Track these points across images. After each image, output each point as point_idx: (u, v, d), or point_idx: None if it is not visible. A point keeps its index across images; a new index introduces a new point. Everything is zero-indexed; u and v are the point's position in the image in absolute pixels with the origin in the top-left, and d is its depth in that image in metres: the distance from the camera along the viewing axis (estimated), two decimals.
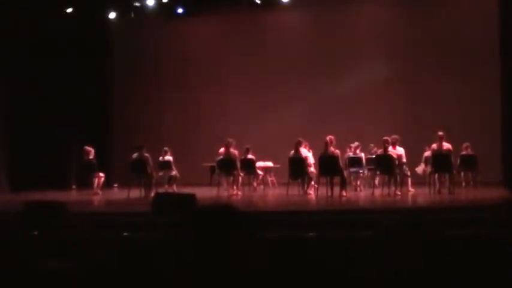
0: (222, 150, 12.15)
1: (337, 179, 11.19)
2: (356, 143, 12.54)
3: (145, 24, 16.23)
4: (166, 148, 13.17)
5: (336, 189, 10.98)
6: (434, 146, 11.40)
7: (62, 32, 14.95)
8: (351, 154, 12.43)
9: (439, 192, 11.28)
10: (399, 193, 11.10)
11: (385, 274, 1.30)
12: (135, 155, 12.34)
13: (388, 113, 14.63)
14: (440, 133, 11.20)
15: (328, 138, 11.14)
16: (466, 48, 14.40)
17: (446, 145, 11.19)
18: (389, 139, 11.33)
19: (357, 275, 1.41)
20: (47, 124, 14.57)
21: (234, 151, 12.04)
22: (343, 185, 11.09)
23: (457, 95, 14.46)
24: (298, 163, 11.47)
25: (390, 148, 11.27)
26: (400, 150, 11.42)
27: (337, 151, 11.20)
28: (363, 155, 12.39)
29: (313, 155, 12.10)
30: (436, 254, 1.30)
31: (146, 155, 12.30)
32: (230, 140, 12.10)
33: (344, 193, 10.98)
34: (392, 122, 14.13)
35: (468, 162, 12.10)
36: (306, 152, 11.83)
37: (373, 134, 12.83)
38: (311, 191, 11.84)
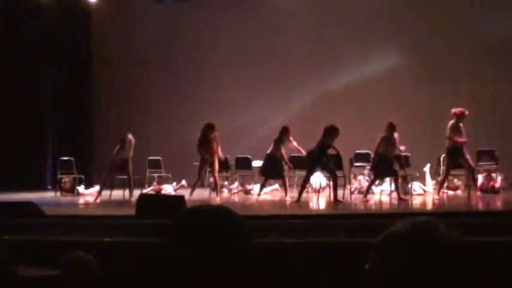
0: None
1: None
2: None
3: (130, 8, 15.23)
4: None
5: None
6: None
7: (42, 18, 14.42)
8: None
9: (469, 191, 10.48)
10: (404, 197, 10.20)
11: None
12: None
13: (399, 104, 13.56)
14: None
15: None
16: (482, 41, 13.58)
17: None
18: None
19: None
20: (22, 122, 14.18)
21: None
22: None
23: (472, 90, 13.67)
24: None
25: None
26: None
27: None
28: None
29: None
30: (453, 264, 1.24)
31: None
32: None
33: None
34: (403, 113, 13.06)
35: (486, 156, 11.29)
36: None
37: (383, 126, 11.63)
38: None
